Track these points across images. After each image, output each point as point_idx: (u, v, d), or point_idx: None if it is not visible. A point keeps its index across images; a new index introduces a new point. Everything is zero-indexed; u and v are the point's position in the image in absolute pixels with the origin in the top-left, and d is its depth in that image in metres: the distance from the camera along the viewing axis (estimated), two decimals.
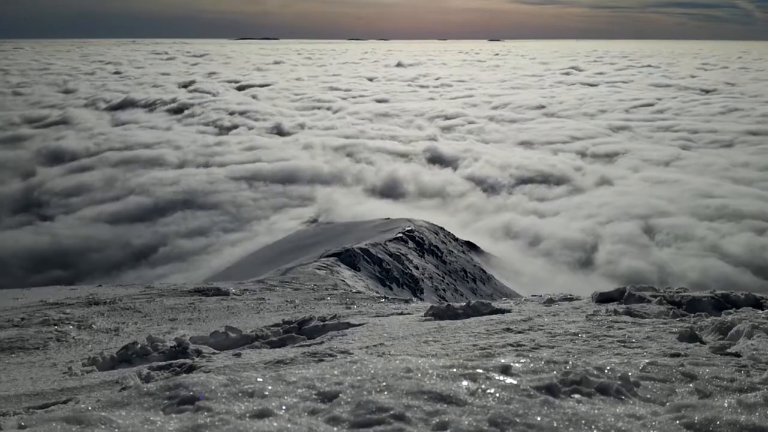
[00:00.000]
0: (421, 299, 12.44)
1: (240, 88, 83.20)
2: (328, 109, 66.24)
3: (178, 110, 63.59)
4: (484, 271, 17.57)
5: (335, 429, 2.12)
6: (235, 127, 54.76)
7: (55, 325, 6.27)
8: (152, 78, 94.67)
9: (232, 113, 60.28)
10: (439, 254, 16.57)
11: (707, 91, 79.81)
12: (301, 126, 55.65)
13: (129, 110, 64.13)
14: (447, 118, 61.36)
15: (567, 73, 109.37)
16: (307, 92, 77.87)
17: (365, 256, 13.93)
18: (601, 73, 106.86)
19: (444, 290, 14.67)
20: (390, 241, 15.61)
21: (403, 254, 15.05)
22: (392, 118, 61.14)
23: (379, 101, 71.40)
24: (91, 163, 42.39)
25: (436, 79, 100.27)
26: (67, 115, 59.12)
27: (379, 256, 14.27)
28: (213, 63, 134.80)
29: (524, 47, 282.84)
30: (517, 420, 2.19)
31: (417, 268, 14.90)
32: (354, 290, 10.42)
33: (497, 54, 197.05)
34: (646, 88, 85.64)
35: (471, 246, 19.95)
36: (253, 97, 74.85)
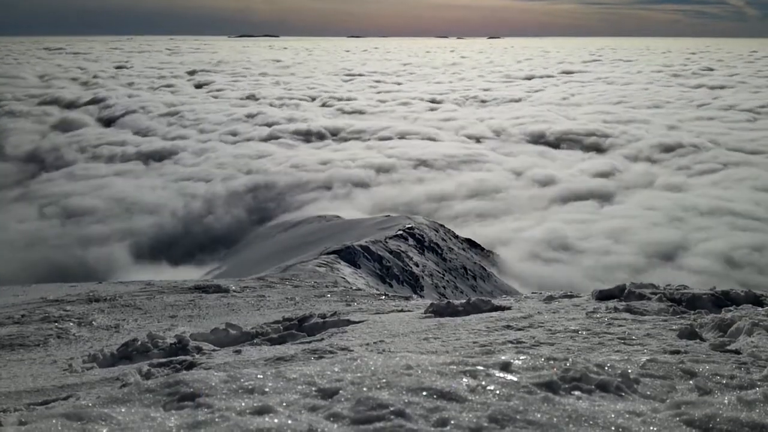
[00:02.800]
0: (422, 296, 12.45)
1: (198, 86, 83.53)
2: (277, 105, 65.57)
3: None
4: (484, 269, 17.57)
5: (335, 425, 2.12)
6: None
7: (56, 322, 6.28)
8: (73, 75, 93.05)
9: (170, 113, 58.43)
10: (440, 251, 16.58)
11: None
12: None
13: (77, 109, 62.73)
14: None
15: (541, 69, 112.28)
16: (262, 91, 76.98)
17: (365, 254, 13.94)
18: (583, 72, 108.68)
19: (444, 287, 14.67)
20: (390, 238, 15.62)
21: (403, 251, 15.06)
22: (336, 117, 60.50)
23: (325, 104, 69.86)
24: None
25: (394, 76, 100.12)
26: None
27: (379, 253, 14.27)
28: (190, 58, 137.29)
29: (520, 45, 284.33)
30: (517, 417, 2.19)
31: (417, 265, 14.91)
32: (354, 287, 10.43)
33: (482, 52, 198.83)
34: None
35: (471, 243, 19.95)
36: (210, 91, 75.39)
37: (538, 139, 48.49)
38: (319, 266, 12.12)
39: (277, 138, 48.29)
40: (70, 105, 64.75)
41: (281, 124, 52.97)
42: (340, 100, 69.14)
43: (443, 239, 17.66)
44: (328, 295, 8.39)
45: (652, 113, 57.98)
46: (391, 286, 13.26)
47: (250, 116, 56.80)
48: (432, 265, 15.56)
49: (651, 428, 2.18)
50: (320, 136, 49.54)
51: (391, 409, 2.20)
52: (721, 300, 5.15)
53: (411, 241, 16.08)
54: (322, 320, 5.58)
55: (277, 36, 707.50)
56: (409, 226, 16.99)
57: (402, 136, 48.44)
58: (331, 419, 2.16)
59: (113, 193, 33.45)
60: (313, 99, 71.02)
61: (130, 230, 28.60)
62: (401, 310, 6.28)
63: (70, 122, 55.29)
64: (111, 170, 39.08)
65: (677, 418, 2.27)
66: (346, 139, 48.49)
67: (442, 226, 19.25)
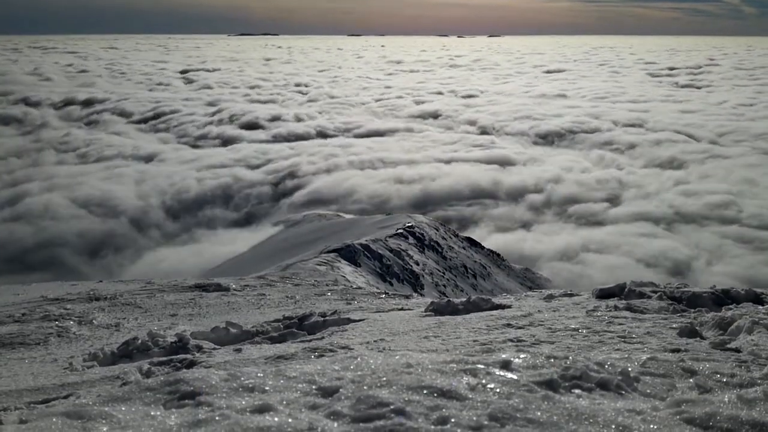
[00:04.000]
0: (422, 295, 12.44)
1: (189, 81, 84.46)
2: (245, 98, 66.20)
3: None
4: (485, 267, 17.56)
5: (336, 424, 2.12)
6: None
7: (56, 320, 6.28)
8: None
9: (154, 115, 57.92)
10: (440, 250, 16.57)
11: None
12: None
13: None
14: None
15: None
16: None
17: (366, 252, 13.93)
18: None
19: (444, 286, 14.67)
20: (390, 236, 15.61)
21: (403, 250, 15.05)
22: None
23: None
24: None
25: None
26: None
27: (379, 251, 14.27)
28: (186, 57, 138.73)
29: (519, 43, 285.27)
30: (518, 415, 2.19)
31: (417, 263, 14.90)
32: (354, 286, 10.43)
33: (478, 50, 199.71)
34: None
35: (471, 242, 19.95)
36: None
37: (525, 135, 48.83)
38: (320, 265, 12.12)
39: (269, 136, 48.46)
40: (57, 105, 64.46)
41: (273, 122, 53.23)
42: (331, 97, 69.65)
43: (443, 238, 17.65)
44: (329, 294, 8.40)
45: (644, 109, 58.21)
46: (392, 284, 13.25)
47: (242, 114, 56.97)
48: (432, 263, 15.56)
49: (651, 426, 2.18)
50: (312, 134, 49.79)
51: (392, 407, 2.20)
52: (722, 298, 5.15)
53: (411, 240, 16.07)
54: (322, 319, 5.58)
55: (277, 34, 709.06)
56: (410, 224, 16.98)
57: (391, 133, 48.74)
58: (332, 417, 2.17)
59: (82, 194, 33.29)
60: (304, 95, 71.69)
61: (89, 231, 28.65)
62: (401, 309, 6.28)
63: (54, 122, 55.06)
64: (89, 170, 38.92)
65: (677, 417, 2.27)
66: (335, 136, 48.74)
67: (442, 224, 19.25)
